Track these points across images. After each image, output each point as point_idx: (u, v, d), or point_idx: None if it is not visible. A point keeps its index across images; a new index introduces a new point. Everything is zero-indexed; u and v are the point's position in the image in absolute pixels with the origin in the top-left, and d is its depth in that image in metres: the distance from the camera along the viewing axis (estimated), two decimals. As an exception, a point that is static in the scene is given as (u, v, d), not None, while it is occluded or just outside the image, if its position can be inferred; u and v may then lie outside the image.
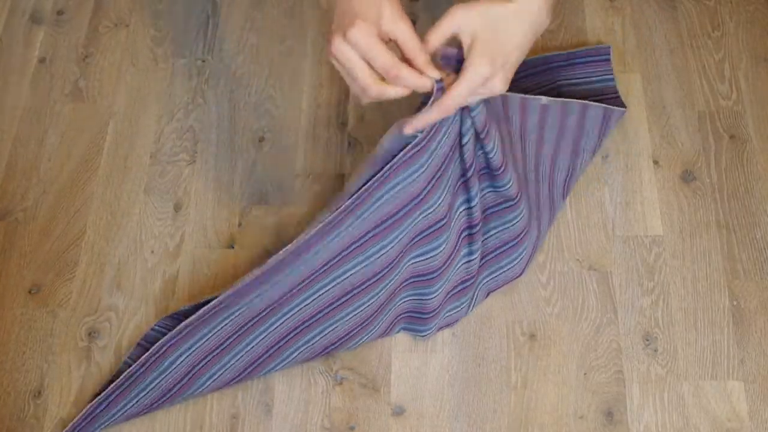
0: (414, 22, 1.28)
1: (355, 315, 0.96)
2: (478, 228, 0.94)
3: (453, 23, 0.74)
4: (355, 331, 0.98)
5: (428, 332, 1.02)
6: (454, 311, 1.02)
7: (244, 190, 1.16)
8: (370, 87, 0.73)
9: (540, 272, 1.08)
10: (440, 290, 0.97)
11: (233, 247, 1.11)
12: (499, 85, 0.75)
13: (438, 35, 0.74)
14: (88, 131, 1.21)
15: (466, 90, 0.74)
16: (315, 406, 1.01)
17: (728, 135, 1.17)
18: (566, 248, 1.09)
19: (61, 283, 1.09)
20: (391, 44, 0.73)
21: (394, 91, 0.73)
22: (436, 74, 0.74)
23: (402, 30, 0.73)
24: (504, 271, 1.04)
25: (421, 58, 0.73)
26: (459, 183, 0.90)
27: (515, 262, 1.03)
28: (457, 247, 0.95)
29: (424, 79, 0.74)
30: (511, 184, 0.92)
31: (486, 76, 0.73)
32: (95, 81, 1.26)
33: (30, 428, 1.00)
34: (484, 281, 1.03)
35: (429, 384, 1.02)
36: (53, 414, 1.01)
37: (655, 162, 1.15)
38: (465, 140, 0.84)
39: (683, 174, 1.14)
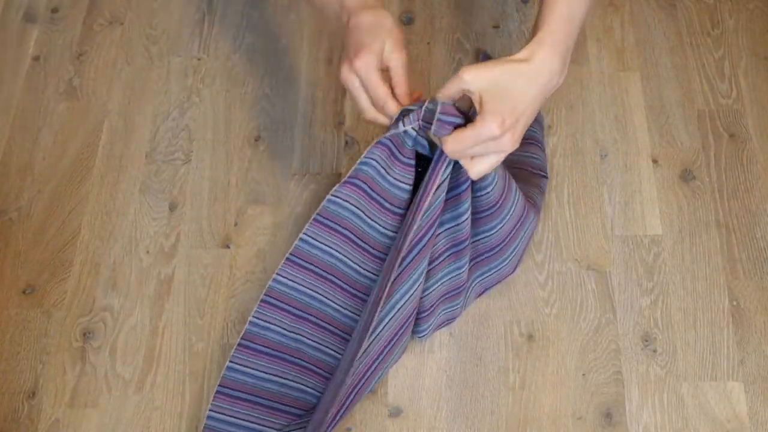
0: (412, 20, 1.28)
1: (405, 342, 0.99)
2: (465, 244, 0.93)
3: (459, 84, 0.76)
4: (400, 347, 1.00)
5: (425, 333, 1.01)
6: (449, 310, 1.01)
7: (239, 189, 1.15)
8: (367, 111, 0.82)
9: (538, 272, 1.07)
10: (430, 291, 0.96)
11: (229, 247, 1.11)
12: (508, 144, 0.76)
13: (445, 94, 0.78)
14: (82, 130, 1.21)
15: (471, 139, 0.75)
16: (311, 407, 1.00)
17: (728, 134, 1.16)
18: (565, 248, 1.09)
19: (56, 283, 1.09)
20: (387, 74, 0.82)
21: (383, 119, 0.82)
22: (392, 109, 0.80)
23: (395, 60, 0.80)
24: (496, 271, 1.03)
25: (399, 89, 0.81)
26: (449, 198, 0.89)
27: (506, 262, 1.02)
28: (442, 259, 0.95)
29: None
30: (494, 186, 0.91)
31: (494, 135, 0.75)
32: (90, 79, 1.25)
33: (24, 429, 0.99)
34: (477, 280, 1.03)
35: (426, 385, 1.01)
36: (48, 415, 1.00)
37: (655, 161, 1.15)
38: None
39: (683, 173, 1.14)
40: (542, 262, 1.08)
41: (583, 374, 1.01)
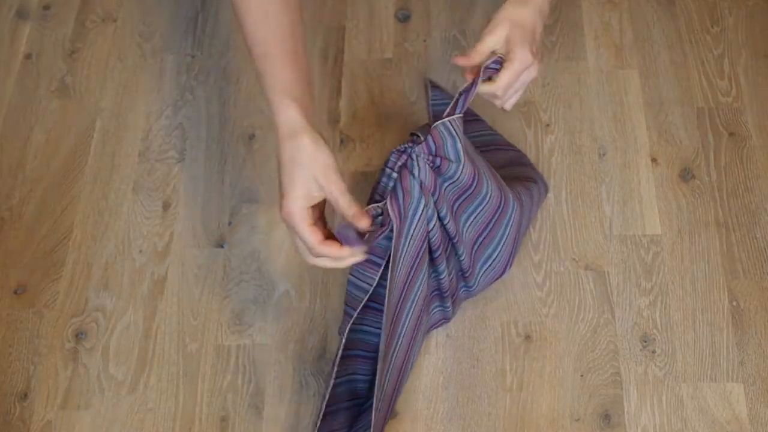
0: (409, 17, 1.27)
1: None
2: (439, 252, 0.92)
3: (493, 38, 0.85)
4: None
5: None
6: (439, 309, 1.00)
7: (234, 188, 1.14)
8: (306, 258, 0.83)
9: (536, 272, 1.06)
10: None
11: (223, 246, 1.10)
12: (535, 70, 0.86)
13: (481, 52, 0.85)
14: (75, 128, 1.20)
15: (512, 75, 0.84)
16: (306, 408, 0.99)
17: (728, 132, 1.15)
18: (562, 248, 1.08)
19: (48, 283, 1.08)
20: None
21: (324, 262, 0.82)
22: (365, 224, 0.80)
23: (330, 193, 0.79)
24: (485, 277, 1.02)
25: (349, 213, 0.80)
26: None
27: (496, 257, 1.01)
28: (418, 262, 0.94)
29: (344, 249, 0.81)
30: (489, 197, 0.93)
31: (528, 63, 0.84)
32: (82, 77, 1.24)
33: (17, 431, 0.98)
34: (463, 289, 1.02)
35: (423, 386, 1.00)
36: (40, 416, 0.99)
37: (653, 160, 1.14)
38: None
39: (682, 172, 1.13)
40: (540, 262, 1.07)
41: (581, 375, 1.00)
